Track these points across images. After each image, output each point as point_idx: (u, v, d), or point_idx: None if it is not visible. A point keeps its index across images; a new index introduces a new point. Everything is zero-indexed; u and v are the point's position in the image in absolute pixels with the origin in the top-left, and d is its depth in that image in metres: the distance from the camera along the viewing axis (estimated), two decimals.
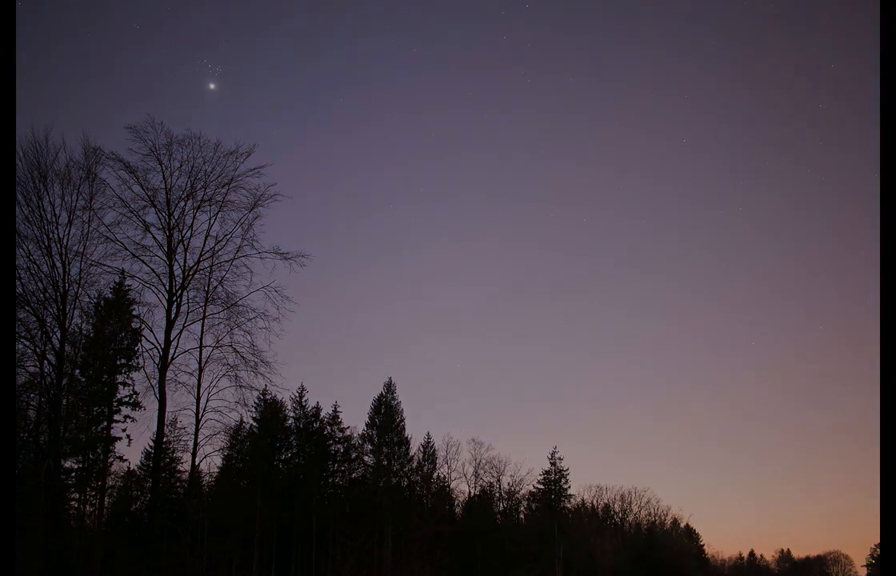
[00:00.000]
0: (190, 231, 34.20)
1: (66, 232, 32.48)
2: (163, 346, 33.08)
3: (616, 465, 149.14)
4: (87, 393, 42.87)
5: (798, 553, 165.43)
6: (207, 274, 34.59)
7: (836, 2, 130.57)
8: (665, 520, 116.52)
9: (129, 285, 39.87)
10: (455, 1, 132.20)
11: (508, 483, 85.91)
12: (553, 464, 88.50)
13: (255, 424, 67.16)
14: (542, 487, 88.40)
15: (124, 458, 57.27)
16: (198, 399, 34.42)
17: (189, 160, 33.66)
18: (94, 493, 49.06)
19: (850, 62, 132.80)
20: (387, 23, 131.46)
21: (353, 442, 74.64)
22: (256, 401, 65.72)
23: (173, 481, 61.81)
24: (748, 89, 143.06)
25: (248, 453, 66.10)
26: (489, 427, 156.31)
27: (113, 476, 52.93)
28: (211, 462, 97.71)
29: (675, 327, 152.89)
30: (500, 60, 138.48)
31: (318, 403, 73.61)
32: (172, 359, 33.36)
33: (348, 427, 74.69)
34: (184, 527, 47.73)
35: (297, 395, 72.64)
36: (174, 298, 33.54)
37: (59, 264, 32.21)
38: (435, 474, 79.73)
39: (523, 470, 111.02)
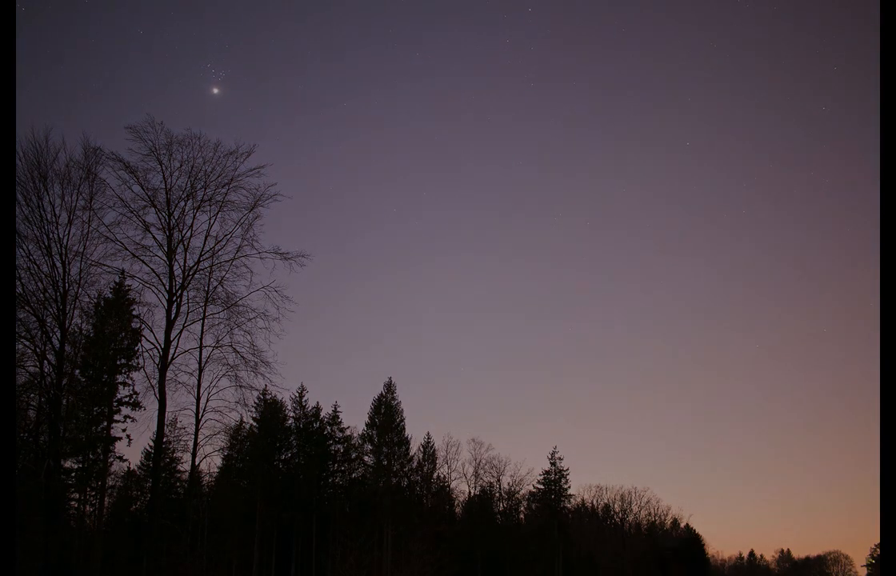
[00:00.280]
0: (190, 231, 34.19)
1: (66, 232, 32.47)
2: (163, 346, 33.05)
3: (616, 465, 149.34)
4: (87, 393, 42.86)
5: (798, 553, 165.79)
6: (207, 274, 34.56)
7: (838, 3, 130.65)
8: (665, 520, 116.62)
9: (129, 285, 39.88)
10: (457, 5, 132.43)
11: (508, 483, 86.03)
12: (553, 464, 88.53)
13: (255, 424, 67.15)
14: (542, 487, 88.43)
15: (124, 458, 57.29)
16: (198, 399, 34.40)
17: (189, 160, 33.65)
18: (94, 493, 49.06)
19: (851, 64, 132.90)
20: (389, 26, 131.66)
21: (353, 442, 74.71)
22: (256, 401, 65.71)
23: (173, 481, 61.82)
24: (749, 93, 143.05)
25: (248, 453, 66.09)
26: (489, 427, 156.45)
27: (113, 476, 52.97)
28: (211, 462, 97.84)
29: (676, 328, 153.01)
30: (501, 63, 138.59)
31: (318, 403, 73.77)
32: (172, 359, 33.34)
33: (348, 427, 74.89)
34: (184, 527, 47.66)
35: (297, 395, 72.77)
36: (174, 298, 33.51)
37: (59, 264, 32.19)
38: (435, 474, 79.78)
39: (523, 470, 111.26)
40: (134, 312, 40.05)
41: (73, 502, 48.70)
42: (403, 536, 63.67)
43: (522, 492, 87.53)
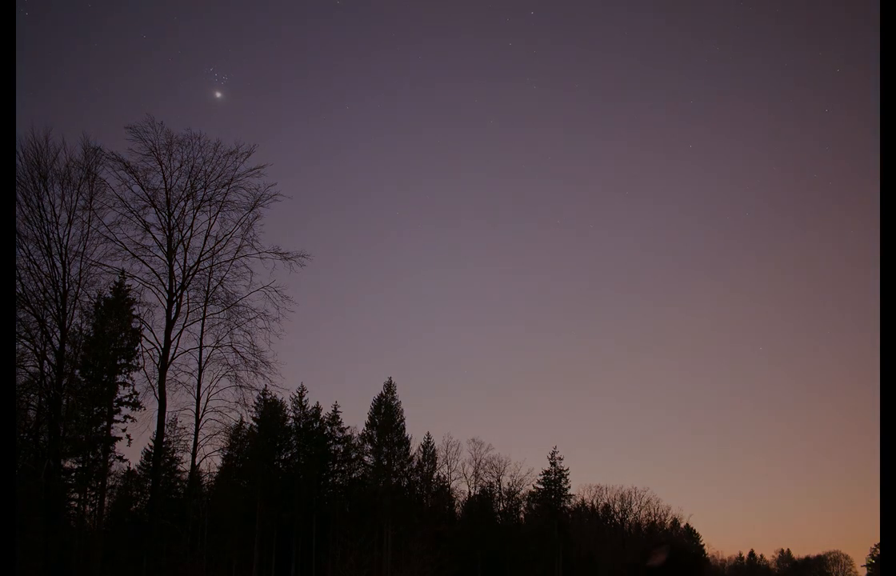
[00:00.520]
0: (190, 231, 34.18)
1: (66, 232, 32.45)
2: (163, 346, 33.04)
3: (616, 465, 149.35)
4: (87, 393, 42.85)
5: (798, 553, 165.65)
6: (207, 274, 34.56)
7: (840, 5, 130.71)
8: (665, 520, 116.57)
9: (129, 285, 39.85)
10: (459, 9, 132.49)
11: (508, 483, 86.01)
12: (553, 464, 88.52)
13: (255, 424, 67.16)
14: (542, 487, 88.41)
15: (124, 458, 57.13)
16: (198, 399, 34.40)
17: (189, 160, 33.62)
18: (94, 493, 49.06)
19: (852, 67, 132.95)
20: (391, 30, 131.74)
21: (353, 442, 74.74)
22: (256, 401, 65.72)
23: (173, 481, 61.82)
24: (749, 95, 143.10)
25: (248, 453, 66.09)
26: (489, 427, 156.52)
27: (113, 476, 52.93)
28: (211, 462, 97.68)
29: (676, 327, 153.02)
30: (504, 67, 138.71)
31: (318, 403, 73.79)
32: (172, 359, 33.33)
33: (348, 427, 74.92)
34: (184, 527, 47.68)
35: (297, 395, 72.79)
36: (174, 298, 33.51)
37: (59, 264, 32.18)
38: (435, 474, 79.80)
39: (523, 470, 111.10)
40: (134, 312, 40.03)
41: (73, 502, 48.68)
42: (403, 536, 63.68)
43: (522, 492, 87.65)
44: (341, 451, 74.39)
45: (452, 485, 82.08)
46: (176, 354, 33.51)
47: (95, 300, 37.85)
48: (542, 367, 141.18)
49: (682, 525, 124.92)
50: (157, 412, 33.06)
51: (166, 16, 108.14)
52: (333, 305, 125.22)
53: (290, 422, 72.27)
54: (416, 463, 77.90)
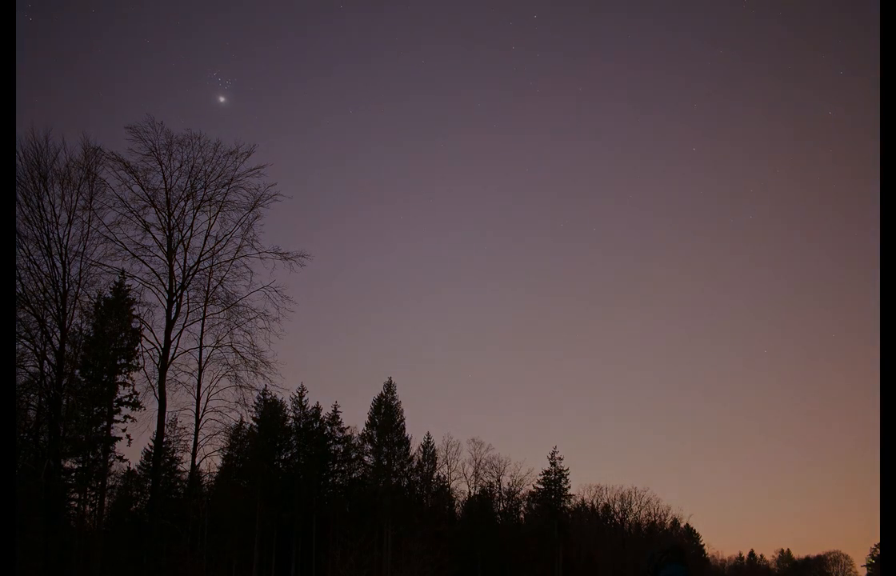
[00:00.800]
0: (190, 231, 34.22)
1: (66, 232, 32.44)
2: (163, 346, 33.08)
3: (616, 465, 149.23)
4: (87, 393, 42.85)
5: (798, 553, 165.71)
6: (207, 274, 34.60)
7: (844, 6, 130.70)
8: (665, 520, 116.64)
9: (129, 285, 39.87)
10: (462, 13, 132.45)
11: (508, 483, 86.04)
12: (553, 464, 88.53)
13: (255, 424, 67.17)
14: (542, 487, 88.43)
15: (124, 458, 57.24)
16: (198, 399, 34.45)
17: (189, 160, 33.67)
18: (94, 493, 49.06)
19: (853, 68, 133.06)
20: (393, 34, 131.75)
21: (353, 442, 74.75)
22: (256, 401, 65.77)
23: (173, 481, 61.84)
24: (749, 97, 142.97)
25: (248, 453, 66.10)
26: (489, 427, 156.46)
27: (113, 476, 52.91)
28: (211, 462, 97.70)
29: (676, 327, 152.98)
30: (506, 70, 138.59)
31: (318, 403, 73.75)
32: (172, 359, 33.36)
33: (348, 427, 74.87)
34: (184, 527, 47.69)
35: (297, 395, 72.76)
36: (174, 298, 33.53)
37: (59, 264, 32.19)
38: (435, 474, 79.82)
39: (523, 470, 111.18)
40: (134, 312, 40.03)
41: (73, 502, 48.68)
42: (403, 536, 63.69)
43: (522, 492, 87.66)
44: (341, 451, 74.42)
45: (452, 485, 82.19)
46: (176, 354, 33.57)
47: (95, 300, 37.88)
48: (542, 367, 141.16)
49: (682, 525, 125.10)
50: (157, 412, 33.13)
51: (169, 19, 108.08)
52: (333, 304, 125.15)
53: (290, 422, 72.29)
54: (416, 463, 77.96)
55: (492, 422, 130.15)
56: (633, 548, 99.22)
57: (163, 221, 33.50)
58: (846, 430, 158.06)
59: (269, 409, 68.84)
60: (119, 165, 32.60)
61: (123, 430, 46.72)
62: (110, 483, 53.02)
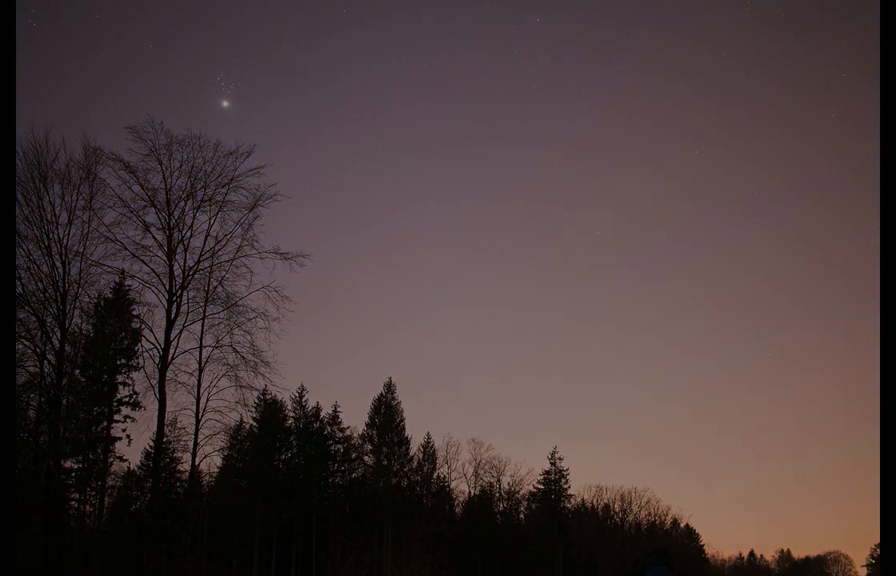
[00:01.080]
0: (190, 231, 34.25)
1: (66, 232, 32.48)
2: (163, 346, 33.09)
3: (616, 465, 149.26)
4: (87, 393, 42.85)
5: (798, 553, 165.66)
6: (207, 274, 34.63)
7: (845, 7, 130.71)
8: (665, 520, 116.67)
9: (129, 285, 39.87)
10: (464, 15, 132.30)
11: (508, 483, 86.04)
12: (553, 464, 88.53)
13: (255, 424, 67.16)
14: (542, 487, 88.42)
15: (124, 458, 57.26)
16: (198, 399, 34.46)
17: (189, 160, 33.72)
18: (94, 493, 49.03)
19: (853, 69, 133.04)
20: (394, 35, 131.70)
21: (353, 442, 74.74)
22: (256, 401, 65.67)
23: (173, 481, 61.84)
24: (750, 98, 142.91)
25: (248, 453, 66.10)
26: (489, 427, 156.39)
27: (113, 476, 52.95)
28: (211, 462, 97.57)
29: (675, 327, 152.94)
30: (508, 71, 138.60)
31: (318, 403, 73.74)
32: (172, 359, 33.39)
33: (348, 427, 74.85)
34: (184, 527, 47.70)
35: (297, 395, 72.76)
36: (174, 298, 33.55)
37: (59, 264, 32.20)
38: (435, 474, 79.81)
39: (523, 470, 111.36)
40: (134, 312, 40.10)
41: (73, 502, 48.66)
42: (403, 536, 63.67)
43: (522, 492, 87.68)
44: (341, 451, 74.41)
45: (452, 485, 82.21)
46: (176, 354, 33.61)
47: (95, 300, 37.87)
48: (542, 366, 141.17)
49: (682, 525, 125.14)
50: (157, 412, 33.18)
51: (172, 24, 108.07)
52: (333, 304, 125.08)
53: (290, 422, 72.29)
54: (416, 463, 77.95)
55: (492, 422, 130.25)
56: (633, 548, 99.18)
57: (163, 221, 33.54)
58: (846, 430, 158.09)
59: (269, 409, 68.81)
60: (119, 164, 32.67)
61: (123, 430, 46.73)
62: (110, 483, 53.06)
